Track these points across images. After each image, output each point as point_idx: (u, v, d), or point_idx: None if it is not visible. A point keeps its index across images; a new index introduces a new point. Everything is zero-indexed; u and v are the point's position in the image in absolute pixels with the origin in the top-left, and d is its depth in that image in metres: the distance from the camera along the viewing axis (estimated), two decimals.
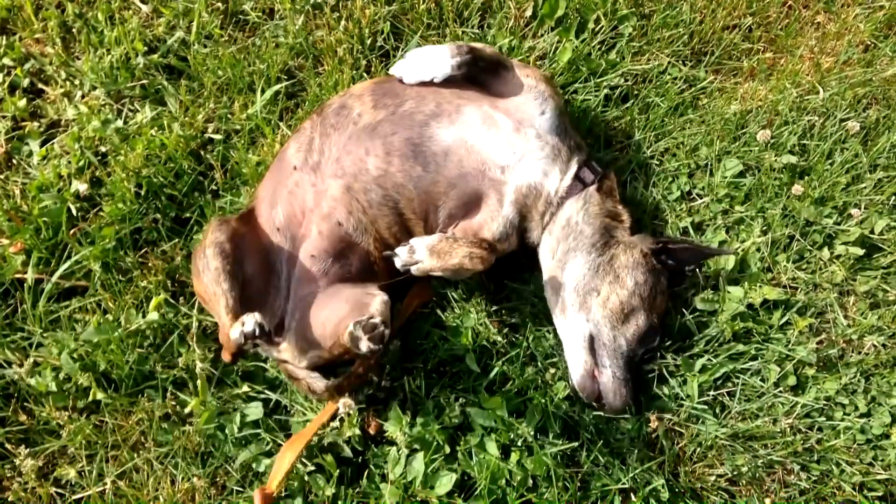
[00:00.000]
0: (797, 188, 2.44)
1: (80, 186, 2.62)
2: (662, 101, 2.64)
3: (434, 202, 2.28)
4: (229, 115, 2.77)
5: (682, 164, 2.56)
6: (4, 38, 2.91)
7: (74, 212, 2.57)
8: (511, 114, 2.29)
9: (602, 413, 2.22)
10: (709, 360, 2.27)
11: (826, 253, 2.41)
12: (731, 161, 2.51)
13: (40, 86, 2.88)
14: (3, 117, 2.80)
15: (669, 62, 2.71)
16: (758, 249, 2.41)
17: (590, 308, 2.20)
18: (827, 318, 2.37)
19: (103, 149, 2.73)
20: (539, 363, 2.30)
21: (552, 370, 2.27)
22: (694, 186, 2.53)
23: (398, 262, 2.18)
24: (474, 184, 2.27)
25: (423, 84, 2.34)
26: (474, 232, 2.25)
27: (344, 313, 2.15)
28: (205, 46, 2.88)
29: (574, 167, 2.27)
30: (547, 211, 2.28)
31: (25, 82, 2.85)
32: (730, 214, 2.48)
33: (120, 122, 2.76)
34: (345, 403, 2.23)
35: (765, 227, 2.41)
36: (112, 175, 2.64)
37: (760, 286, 2.32)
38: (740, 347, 2.28)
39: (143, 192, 2.62)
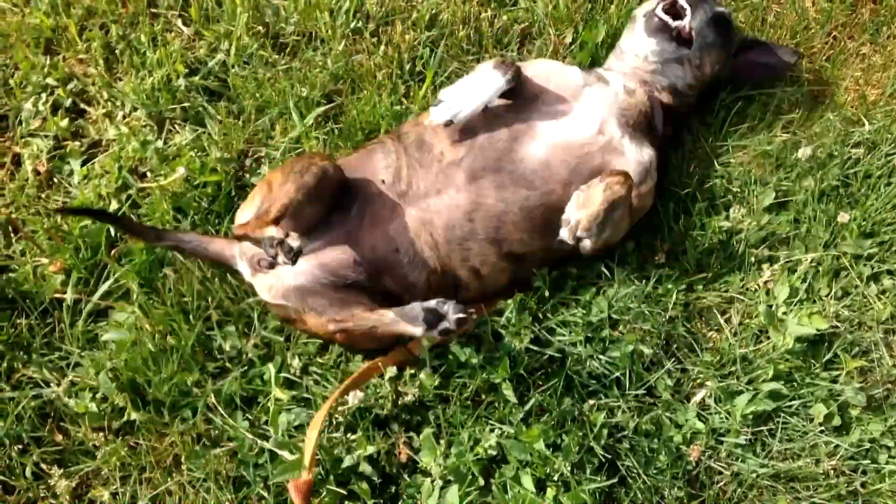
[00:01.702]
0: (843, 216, 2.40)
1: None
2: (703, 129, 2.62)
3: (555, 206, 2.31)
4: (269, 139, 2.78)
5: (719, 189, 2.53)
6: (49, 58, 2.94)
7: (113, 232, 2.58)
8: (561, 94, 2.39)
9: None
10: (751, 396, 2.22)
11: (873, 288, 2.36)
12: (767, 192, 2.47)
13: (82, 106, 2.91)
14: (46, 136, 2.83)
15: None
16: (803, 280, 2.37)
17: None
18: (871, 357, 2.32)
19: (143, 169, 2.75)
20: (577, 393, 2.27)
21: (591, 401, 2.24)
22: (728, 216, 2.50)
23: (568, 238, 2.24)
24: (592, 163, 2.33)
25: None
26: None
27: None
28: (244, 68, 2.89)
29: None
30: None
31: (68, 102, 2.88)
32: (771, 240, 2.44)
33: (160, 143, 2.78)
34: (355, 395, 2.26)
35: (811, 260, 2.38)
36: (150, 196, 2.66)
37: (809, 316, 2.27)
38: (783, 385, 2.23)
39: (181, 214, 2.64)
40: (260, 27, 2.96)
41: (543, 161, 2.31)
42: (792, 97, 2.69)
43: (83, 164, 2.78)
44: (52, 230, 2.60)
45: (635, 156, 2.34)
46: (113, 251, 2.55)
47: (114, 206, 2.64)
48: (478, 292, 2.39)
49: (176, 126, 2.84)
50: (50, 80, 2.89)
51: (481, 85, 2.34)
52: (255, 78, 2.85)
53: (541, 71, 2.46)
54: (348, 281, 2.34)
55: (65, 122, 2.83)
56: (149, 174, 2.73)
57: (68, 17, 2.98)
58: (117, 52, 2.95)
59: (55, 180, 2.78)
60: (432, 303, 2.19)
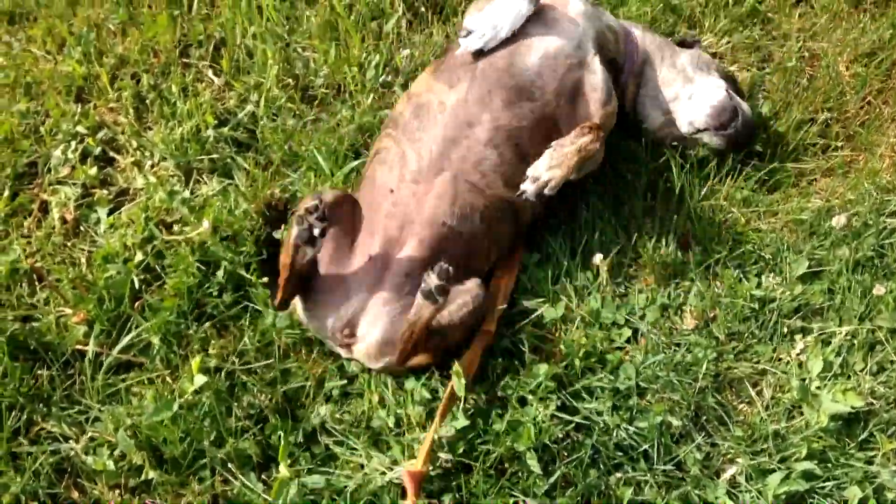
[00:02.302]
0: (879, 289, 2.34)
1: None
2: (736, 192, 2.58)
3: (552, 120, 2.42)
4: (297, 193, 2.77)
5: (751, 255, 2.49)
6: (80, 106, 2.96)
7: (137, 284, 2.57)
8: (552, 7, 2.50)
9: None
10: (784, 475, 2.16)
11: None
12: (801, 261, 2.43)
13: (111, 154, 2.92)
14: (74, 184, 2.83)
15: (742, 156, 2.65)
16: (837, 353, 2.32)
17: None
18: None
19: (169, 220, 2.74)
20: (603, 465, 2.22)
21: (618, 475, 2.18)
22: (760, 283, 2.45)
23: (531, 194, 2.30)
24: (572, 76, 2.43)
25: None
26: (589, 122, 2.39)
27: None
28: (273, 120, 2.90)
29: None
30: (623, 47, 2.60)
31: (97, 150, 2.89)
32: (804, 310, 2.39)
33: (186, 193, 2.77)
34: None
35: (846, 333, 2.32)
36: (176, 247, 2.65)
37: (844, 393, 2.22)
38: (817, 465, 2.16)
39: (206, 266, 2.62)
40: (289, 79, 2.97)
41: (538, 72, 2.41)
42: (826, 163, 2.65)
43: (110, 212, 2.78)
44: (76, 280, 2.59)
45: (604, 76, 2.46)
46: (137, 303, 2.54)
47: (139, 257, 2.62)
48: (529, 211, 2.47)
49: (203, 177, 2.84)
50: (80, 128, 2.90)
51: (509, 12, 2.40)
52: (284, 130, 2.85)
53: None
54: (412, 288, 2.30)
55: (93, 171, 2.83)
56: (175, 226, 2.73)
57: (100, 66, 3.00)
58: (148, 101, 2.97)
59: (81, 228, 2.77)
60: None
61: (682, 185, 2.58)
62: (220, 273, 2.58)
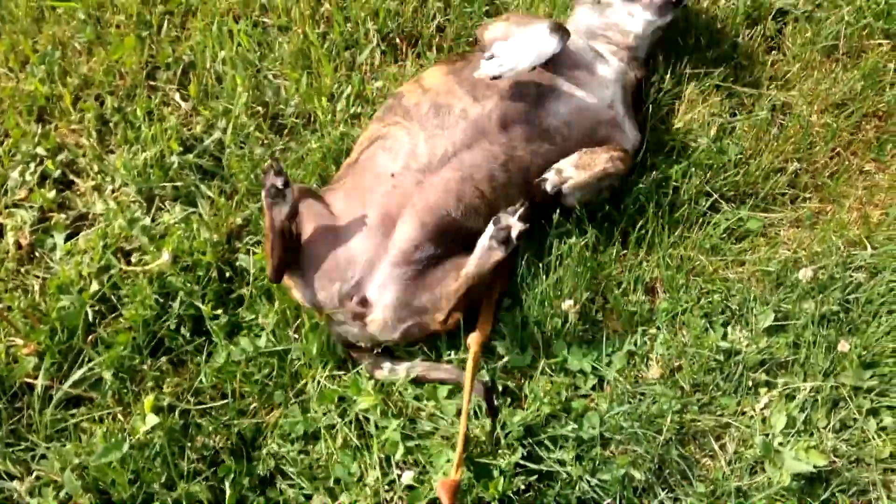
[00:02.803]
0: (844, 345, 2.33)
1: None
2: (705, 240, 2.57)
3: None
4: (261, 222, 2.71)
5: (717, 305, 2.47)
6: (41, 126, 2.89)
7: (91, 316, 2.49)
8: (579, 61, 2.56)
9: None
10: None
11: (872, 423, 2.29)
12: (767, 313, 2.42)
13: (71, 177, 2.84)
14: (31, 207, 2.75)
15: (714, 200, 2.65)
16: (801, 409, 2.31)
17: None
18: (870, 497, 2.24)
19: (128, 247, 2.67)
20: None
21: None
22: (726, 335, 2.43)
23: (550, 185, 2.39)
24: (601, 132, 2.52)
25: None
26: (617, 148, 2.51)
27: (460, 262, 2.30)
28: (241, 148, 2.84)
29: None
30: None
31: (57, 173, 2.81)
32: (769, 363, 2.37)
33: (147, 221, 2.70)
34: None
35: (810, 389, 2.31)
36: (134, 278, 2.58)
37: (807, 451, 2.20)
38: None
39: (164, 297, 2.55)
40: (259, 107, 2.91)
41: (566, 121, 2.47)
42: (794, 213, 2.65)
43: (67, 238, 2.71)
44: (28, 309, 2.51)
45: (633, 134, 2.58)
46: (90, 337, 2.46)
47: (94, 287, 2.55)
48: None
49: (166, 204, 2.77)
50: (40, 150, 2.82)
51: (535, 46, 2.41)
52: (251, 159, 2.80)
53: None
54: (423, 260, 2.35)
55: (51, 194, 2.76)
56: (134, 254, 2.66)
57: (64, 86, 2.93)
58: (111, 124, 2.90)
59: (37, 254, 2.70)
60: (492, 229, 2.23)
61: (652, 231, 2.56)
62: (177, 305, 2.53)
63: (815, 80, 2.84)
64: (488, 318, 2.39)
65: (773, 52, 2.98)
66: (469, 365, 2.24)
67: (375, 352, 2.41)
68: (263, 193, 2.30)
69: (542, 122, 2.45)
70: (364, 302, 2.34)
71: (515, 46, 2.41)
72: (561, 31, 2.44)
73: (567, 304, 2.43)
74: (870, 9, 2.94)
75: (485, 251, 2.23)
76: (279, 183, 2.28)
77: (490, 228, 2.22)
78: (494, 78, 2.39)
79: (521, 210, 2.21)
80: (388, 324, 2.34)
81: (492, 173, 2.39)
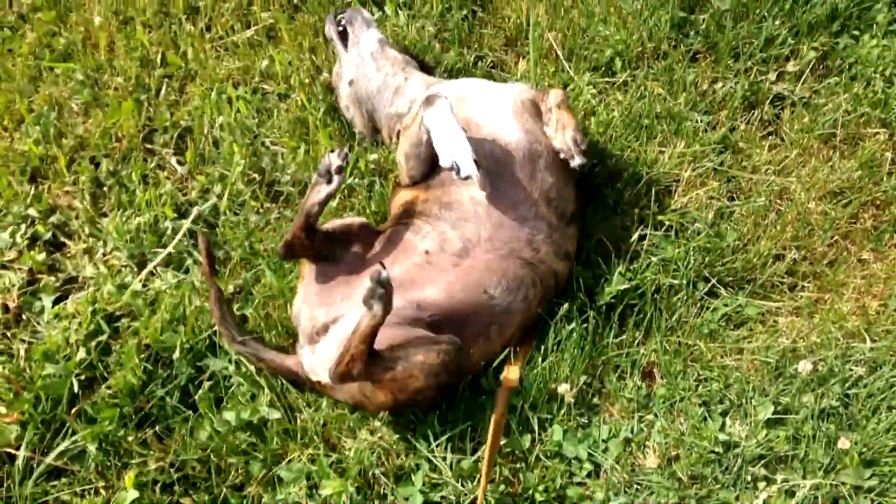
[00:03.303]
0: (844, 442, 2.30)
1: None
2: (703, 325, 2.55)
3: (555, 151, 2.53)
4: (251, 292, 2.66)
5: (716, 394, 2.44)
6: (33, 187, 2.85)
7: (77, 388, 2.42)
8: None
9: None
10: None
11: None
12: (766, 405, 2.39)
13: (62, 238, 2.80)
14: (19, 270, 2.71)
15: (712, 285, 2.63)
16: None
17: None
18: None
19: (118, 312, 2.62)
20: None
21: None
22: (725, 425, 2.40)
23: (578, 156, 2.46)
24: (527, 103, 2.61)
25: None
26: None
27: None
28: (235, 214, 2.81)
29: None
30: None
31: (47, 235, 2.77)
32: (769, 456, 2.33)
33: (138, 286, 2.65)
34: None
35: (810, 487, 2.27)
36: (122, 346, 2.52)
37: None
38: None
39: (152, 365, 2.50)
40: (255, 174, 2.89)
41: (524, 131, 2.51)
42: (793, 302, 2.63)
43: (56, 301, 2.66)
44: (13, 375, 2.45)
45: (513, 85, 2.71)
46: (73, 410, 2.39)
47: (81, 354, 2.49)
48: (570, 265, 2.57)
49: (157, 269, 2.73)
50: (32, 211, 2.79)
51: (444, 121, 2.39)
52: (246, 225, 2.77)
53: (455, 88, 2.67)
54: (417, 321, 2.31)
55: (41, 256, 2.71)
56: (123, 319, 2.60)
57: (58, 147, 2.90)
58: (105, 187, 2.86)
59: (24, 317, 2.64)
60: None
61: (650, 315, 2.54)
62: (165, 373, 2.47)
63: (813, 168, 2.86)
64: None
65: (771, 136, 2.99)
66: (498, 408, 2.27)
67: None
68: (316, 170, 2.39)
69: (522, 153, 2.49)
70: (325, 330, 2.34)
71: (444, 141, 2.38)
72: (430, 100, 2.43)
73: (563, 387, 2.40)
74: (867, 97, 2.97)
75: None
76: (334, 167, 2.36)
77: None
78: (479, 165, 2.35)
79: (377, 276, 2.09)
80: (327, 358, 2.26)
81: (531, 233, 2.43)
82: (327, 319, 2.36)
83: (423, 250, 2.42)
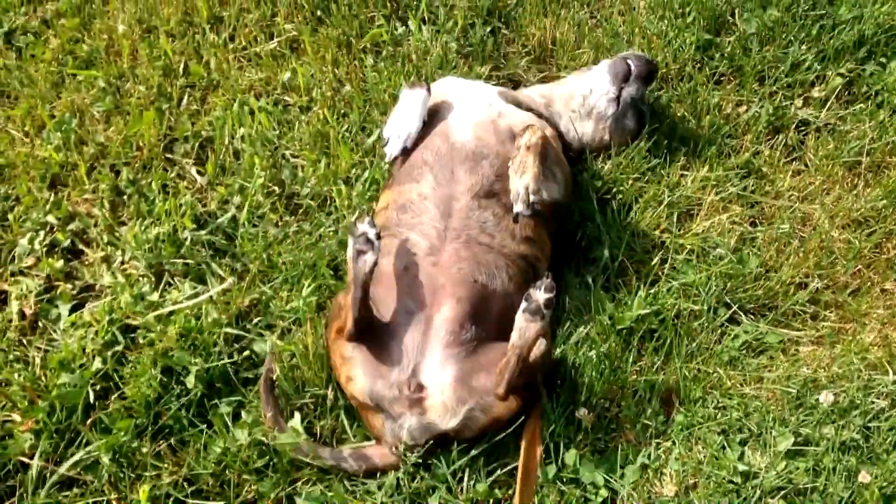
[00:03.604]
0: (865, 476, 2.27)
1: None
2: (723, 352, 2.53)
3: (505, 162, 2.56)
4: (269, 305, 2.65)
5: (735, 422, 2.41)
6: (53, 194, 2.84)
7: (92, 397, 2.41)
8: (455, 96, 2.76)
9: None
10: None
11: None
12: (786, 436, 2.36)
13: (81, 246, 2.80)
14: (37, 276, 2.70)
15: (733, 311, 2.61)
16: None
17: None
18: None
19: (134, 322, 2.61)
20: None
21: None
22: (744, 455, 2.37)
23: (523, 210, 2.44)
24: (501, 125, 2.65)
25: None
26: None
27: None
28: (255, 226, 2.80)
29: None
30: None
31: (66, 242, 2.76)
32: (788, 489, 2.30)
33: (155, 296, 2.65)
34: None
35: None
36: (139, 356, 2.51)
37: None
38: None
39: (168, 377, 2.49)
40: (275, 186, 2.88)
41: (476, 137, 2.58)
42: (815, 332, 2.61)
43: (73, 309, 2.65)
44: (28, 383, 2.44)
45: (518, 110, 2.73)
46: (89, 420, 2.38)
47: (97, 364, 2.48)
48: (537, 247, 2.58)
49: (175, 280, 2.72)
50: (50, 218, 2.79)
51: (411, 105, 2.62)
52: (264, 238, 2.76)
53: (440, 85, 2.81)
54: (472, 340, 2.35)
55: (59, 263, 2.71)
56: (139, 330, 2.59)
57: (79, 155, 2.90)
58: (125, 195, 2.86)
59: (40, 324, 2.64)
60: (524, 304, 2.25)
61: (670, 340, 2.52)
62: (180, 388, 2.46)
63: (837, 195, 2.84)
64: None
65: (795, 162, 2.97)
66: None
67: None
68: (351, 241, 2.31)
69: (467, 153, 2.55)
70: (420, 387, 2.28)
71: (397, 118, 2.63)
72: (419, 83, 2.65)
73: (582, 412, 2.38)
74: (893, 125, 2.95)
75: (523, 324, 2.23)
76: (371, 233, 2.29)
77: (523, 304, 2.24)
78: (403, 152, 2.60)
79: (547, 282, 2.23)
80: (447, 406, 2.27)
81: (481, 219, 2.48)
82: (408, 375, 2.30)
83: (403, 268, 2.44)
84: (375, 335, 2.35)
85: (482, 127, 2.63)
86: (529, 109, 2.80)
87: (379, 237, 2.30)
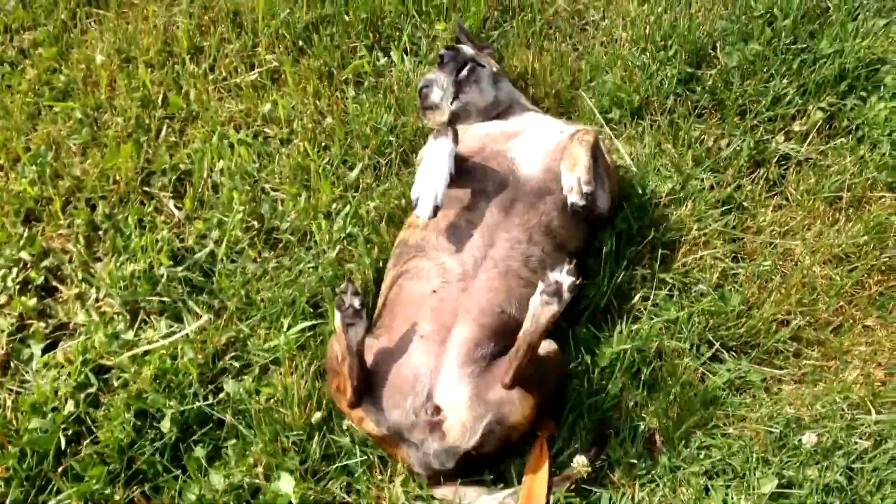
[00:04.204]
0: None
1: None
2: (704, 391, 2.51)
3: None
4: (247, 343, 2.61)
5: (718, 462, 2.39)
6: (27, 229, 2.80)
7: (64, 443, 2.36)
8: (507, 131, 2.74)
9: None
10: None
11: None
12: (769, 478, 2.34)
13: (54, 283, 2.75)
14: (9, 315, 2.65)
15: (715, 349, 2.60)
16: None
17: None
18: None
19: (108, 363, 2.56)
20: None
21: None
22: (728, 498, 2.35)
23: (577, 199, 2.43)
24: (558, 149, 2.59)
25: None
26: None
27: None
28: (233, 262, 2.76)
29: None
30: None
31: (40, 279, 2.71)
32: None
33: (130, 335, 2.60)
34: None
35: None
36: (112, 398, 2.46)
37: None
38: None
39: (142, 421, 2.44)
40: (254, 221, 2.85)
41: (544, 168, 2.55)
42: (797, 370, 2.59)
43: (45, 349, 2.60)
44: None
45: (563, 127, 2.71)
46: (60, 466, 2.33)
47: (70, 407, 2.44)
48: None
49: (151, 317, 2.68)
50: (24, 254, 2.74)
51: (437, 159, 2.46)
52: (243, 274, 2.72)
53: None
54: (486, 356, 2.33)
55: (32, 302, 2.66)
56: (113, 371, 2.54)
57: (54, 188, 2.85)
58: (101, 231, 2.81)
59: (12, 364, 2.58)
60: (542, 285, 2.18)
61: (653, 378, 2.50)
62: (154, 432, 2.41)
63: (818, 230, 2.83)
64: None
65: (776, 196, 2.96)
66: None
67: (459, 482, 2.29)
68: (339, 315, 2.23)
69: (532, 187, 2.52)
70: (437, 410, 2.26)
71: (423, 177, 2.45)
72: (443, 130, 2.53)
73: (579, 459, 2.34)
74: (874, 160, 2.94)
75: (538, 307, 2.17)
76: (357, 303, 2.23)
77: (540, 285, 2.17)
78: (435, 212, 2.42)
79: (570, 266, 2.17)
80: (465, 425, 2.25)
81: (525, 255, 2.44)
82: (423, 399, 2.27)
83: (431, 290, 2.41)
84: (382, 368, 2.33)
85: (552, 157, 2.58)
86: None
87: (364, 306, 2.24)
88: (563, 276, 2.17)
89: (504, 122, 2.82)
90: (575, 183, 2.44)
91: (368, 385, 2.31)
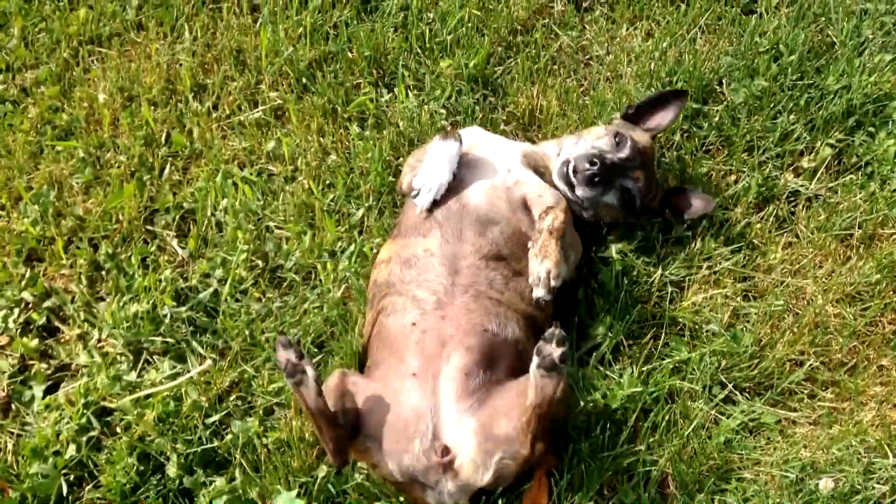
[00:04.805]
0: None
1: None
2: (718, 434, 2.46)
3: (520, 231, 2.56)
4: (251, 384, 2.57)
5: None
6: (29, 269, 2.76)
7: (66, 489, 2.31)
8: (483, 152, 2.73)
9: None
10: None
11: None
12: None
13: (56, 323, 2.71)
14: (10, 356, 2.61)
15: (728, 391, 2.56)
16: None
17: None
18: None
19: (111, 406, 2.51)
20: None
21: None
22: None
23: (544, 294, 2.40)
24: (515, 194, 2.61)
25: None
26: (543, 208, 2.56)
27: (523, 384, 2.24)
28: (237, 302, 2.72)
29: None
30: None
31: (42, 320, 2.67)
32: None
33: (133, 376, 2.56)
34: None
35: None
36: (115, 442, 2.42)
37: None
38: None
39: (145, 464, 2.40)
40: (258, 260, 2.81)
41: (488, 202, 2.57)
42: (812, 412, 2.55)
43: (47, 391, 2.56)
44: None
45: (537, 179, 2.68)
46: None
47: (71, 451, 2.39)
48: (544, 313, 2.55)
49: (154, 358, 2.64)
50: (26, 295, 2.70)
51: (443, 157, 2.57)
52: (247, 314, 2.68)
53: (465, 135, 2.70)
54: (482, 387, 2.31)
55: (34, 343, 2.62)
56: (116, 413, 2.50)
57: (57, 228, 2.82)
58: (103, 270, 2.78)
59: (13, 406, 2.54)
60: (536, 359, 2.16)
61: (665, 421, 2.46)
62: (157, 477, 2.37)
63: (830, 269, 2.80)
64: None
65: (786, 234, 2.93)
66: None
67: None
68: (285, 377, 2.17)
69: (478, 216, 2.54)
70: (446, 450, 2.22)
71: (429, 169, 2.57)
72: (449, 134, 2.61)
73: None
74: (884, 197, 2.92)
75: (539, 381, 2.16)
76: (293, 357, 2.16)
77: (535, 359, 2.16)
78: (434, 205, 2.55)
79: (558, 333, 2.15)
80: (477, 463, 2.22)
81: (488, 280, 2.46)
82: (430, 440, 2.23)
83: (411, 323, 2.39)
84: (381, 412, 2.29)
85: (496, 193, 2.60)
86: (546, 169, 2.77)
87: (302, 356, 2.17)
88: (554, 349, 2.15)
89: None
90: (544, 276, 2.41)
91: (370, 430, 2.27)
